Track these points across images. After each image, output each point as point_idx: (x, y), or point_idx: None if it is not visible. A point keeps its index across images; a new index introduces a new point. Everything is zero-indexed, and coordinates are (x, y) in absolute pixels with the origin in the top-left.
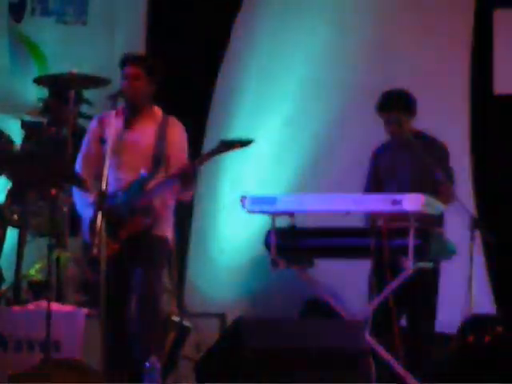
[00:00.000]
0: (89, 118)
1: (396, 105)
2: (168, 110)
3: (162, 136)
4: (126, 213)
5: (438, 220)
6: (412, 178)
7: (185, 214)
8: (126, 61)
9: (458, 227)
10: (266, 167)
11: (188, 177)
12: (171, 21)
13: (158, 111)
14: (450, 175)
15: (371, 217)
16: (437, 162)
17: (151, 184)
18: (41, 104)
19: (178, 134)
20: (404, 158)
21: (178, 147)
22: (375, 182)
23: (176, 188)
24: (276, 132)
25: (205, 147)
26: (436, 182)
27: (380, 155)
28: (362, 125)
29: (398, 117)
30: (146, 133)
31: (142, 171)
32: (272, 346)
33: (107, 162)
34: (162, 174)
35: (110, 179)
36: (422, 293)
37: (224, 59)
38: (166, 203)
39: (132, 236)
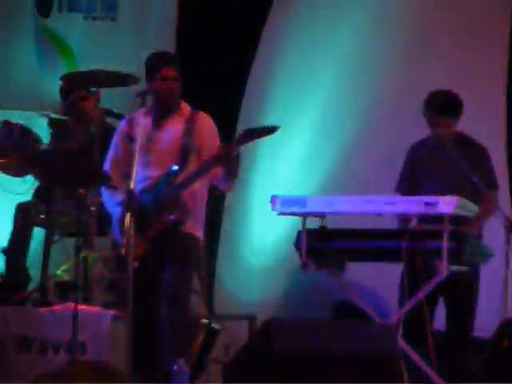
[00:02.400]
0: (117, 116)
1: (449, 109)
2: (200, 108)
3: (190, 131)
4: (153, 210)
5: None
6: (454, 180)
7: (214, 214)
8: (166, 61)
9: (493, 230)
10: (295, 168)
11: (224, 162)
12: (201, 19)
13: (186, 107)
14: (491, 179)
15: (404, 219)
16: (477, 164)
17: (180, 178)
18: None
19: (207, 127)
20: (446, 159)
21: (209, 140)
22: (410, 181)
23: (217, 178)
24: (306, 133)
25: None
26: (477, 187)
27: (418, 154)
28: (394, 125)
29: (449, 121)
30: (174, 130)
31: (171, 167)
32: (303, 348)
33: (136, 161)
34: (192, 168)
35: (139, 178)
36: (462, 295)
37: (254, 59)
38: (197, 199)
39: (161, 234)
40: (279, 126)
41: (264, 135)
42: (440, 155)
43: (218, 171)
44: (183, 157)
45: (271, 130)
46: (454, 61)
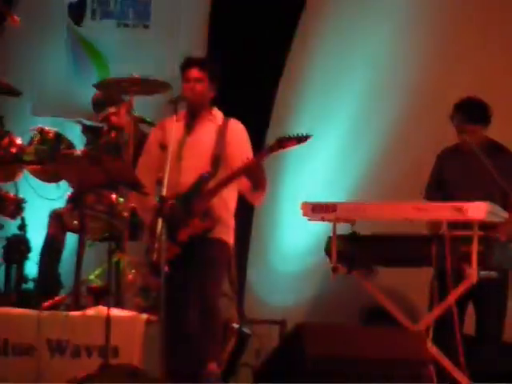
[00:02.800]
0: (150, 123)
1: (479, 116)
2: (232, 111)
3: (221, 138)
4: (185, 216)
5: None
6: (484, 186)
7: (245, 219)
8: (189, 63)
9: None
10: (323, 175)
11: (253, 174)
12: (234, 23)
13: (218, 114)
14: None
15: (434, 224)
16: (507, 171)
17: (211, 185)
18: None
19: (238, 135)
20: (476, 166)
21: (239, 148)
22: (439, 187)
23: (246, 187)
24: (336, 139)
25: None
26: (504, 193)
27: (447, 161)
28: (420, 132)
29: (478, 127)
30: (206, 137)
31: (202, 173)
32: (333, 352)
33: (168, 167)
34: (222, 175)
35: (170, 184)
36: (491, 300)
37: (288, 60)
38: (226, 206)
39: (192, 239)
40: (311, 134)
41: (297, 144)
42: (470, 162)
43: (247, 182)
44: (214, 164)
45: (304, 138)
46: (481, 71)
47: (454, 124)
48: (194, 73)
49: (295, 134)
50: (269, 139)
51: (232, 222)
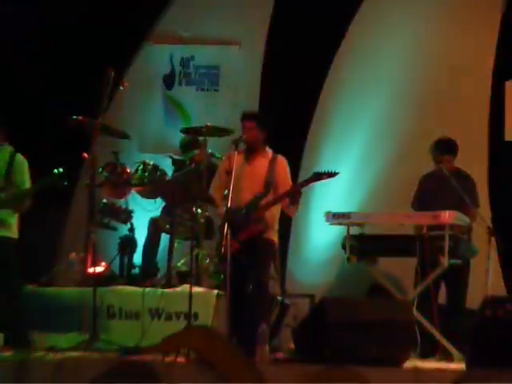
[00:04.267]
0: (218, 157)
1: (450, 150)
2: (273, 136)
3: (271, 169)
4: (244, 222)
5: (468, 229)
6: (452, 201)
7: (285, 224)
8: (244, 117)
9: (479, 234)
10: (344, 189)
11: (294, 196)
12: (278, 83)
13: (269, 151)
14: (476, 201)
15: (418, 227)
16: (468, 192)
17: (263, 202)
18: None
19: (283, 167)
20: (447, 187)
21: (284, 176)
22: (420, 201)
23: (285, 204)
24: (354, 160)
25: (301, 168)
26: (466, 206)
27: (426, 183)
28: (419, 154)
29: (449, 159)
30: (259, 167)
31: (257, 194)
32: (347, 317)
33: (231, 187)
34: (271, 195)
35: (233, 199)
36: (457, 280)
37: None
38: (274, 216)
39: (249, 239)
40: (339, 172)
41: (328, 178)
42: (443, 183)
43: (286, 200)
44: (266, 187)
45: (334, 174)
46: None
47: (432, 156)
48: (248, 124)
49: (328, 171)
50: (303, 163)
51: (276, 227)
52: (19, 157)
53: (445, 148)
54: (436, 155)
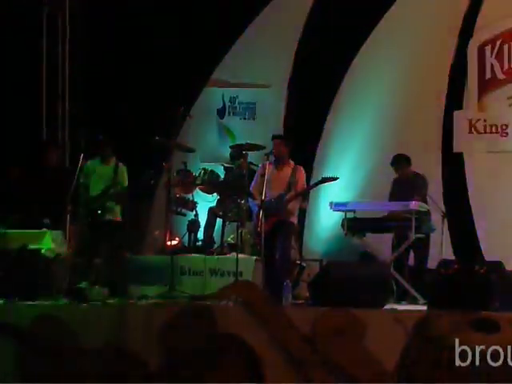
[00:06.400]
0: (255, 165)
1: (406, 163)
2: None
3: (293, 175)
4: (274, 210)
5: (427, 213)
6: (411, 194)
7: (302, 212)
8: (274, 137)
9: (436, 216)
10: (345, 181)
11: (305, 194)
12: (297, 113)
13: (291, 162)
14: (424, 196)
15: (393, 212)
16: (419, 187)
17: (287, 196)
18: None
19: (301, 174)
20: (408, 185)
21: (301, 181)
22: (393, 195)
23: (300, 199)
24: (354, 156)
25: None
26: (419, 198)
27: (395, 184)
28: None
29: (405, 167)
30: (284, 173)
31: (282, 191)
32: (345, 274)
33: (265, 186)
34: (292, 193)
35: (266, 194)
36: (422, 248)
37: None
38: (294, 206)
39: (277, 221)
40: (338, 177)
41: (331, 181)
42: (405, 183)
43: (301, 197)
44: (288, 187)
45: (334, 179)
46: None
47: (393, 167)
48: (276, 142)
49: (331, 176)
50: (314, 171)
51: (296, 213)
52: (121, 165)
53: (401, 161)
54: (397, 166)
